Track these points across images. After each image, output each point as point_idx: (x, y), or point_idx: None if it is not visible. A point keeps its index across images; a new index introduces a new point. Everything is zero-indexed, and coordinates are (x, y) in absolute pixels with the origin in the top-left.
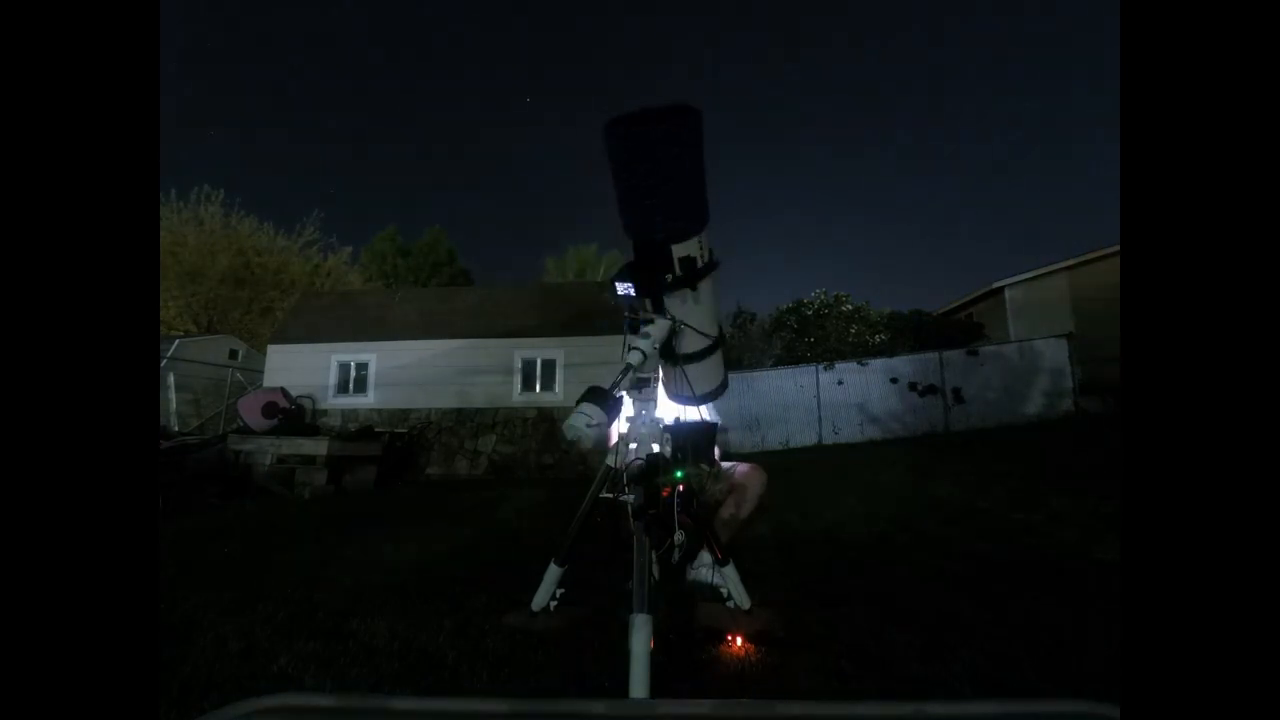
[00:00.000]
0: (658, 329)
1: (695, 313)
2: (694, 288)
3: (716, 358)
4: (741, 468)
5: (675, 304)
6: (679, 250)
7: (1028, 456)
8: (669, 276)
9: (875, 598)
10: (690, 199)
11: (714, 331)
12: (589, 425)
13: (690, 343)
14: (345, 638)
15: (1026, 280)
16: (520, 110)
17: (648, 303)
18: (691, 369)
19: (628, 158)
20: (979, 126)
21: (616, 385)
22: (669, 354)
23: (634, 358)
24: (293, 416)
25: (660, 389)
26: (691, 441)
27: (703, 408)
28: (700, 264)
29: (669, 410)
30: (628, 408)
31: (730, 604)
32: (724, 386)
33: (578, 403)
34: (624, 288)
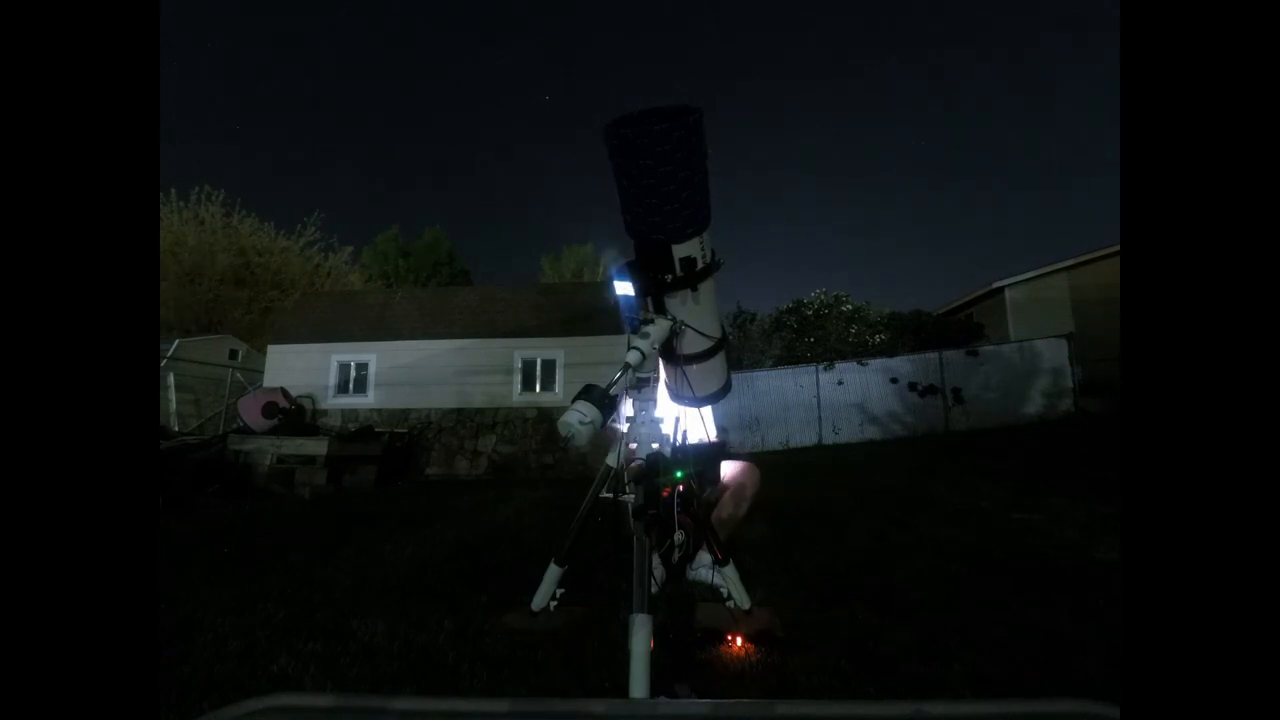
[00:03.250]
0: (658, 329)
1: (696, 313)
2: (694, 288)
3: (719, 359)
4: (735, 465)
5: (676, 304)
6: (680, 250)
7: (1028, 456)
8: (669, 277)
9: (875, 598)
10: (691, 199)
11: (716, 332)
12: (582, 423)
13: (691, 343)
14: (345, 638)
15: (1026, 280)
16: (519, 108)
17: (649, 302)
18: (693, 370)
19: (629, 158)
20: (980, 126)
21: (613, 384)
22: (670, 355)
23: (632, 357)
24: (293, 416)
25: (662, 389)
26: (701, 465)
27: (705, 410)
28: (701, 264)
29: (669, 410)
30: (628, 408)
31: (730, 604)
32: (727, 388)
33: (573, 400)
34: (623, 287)
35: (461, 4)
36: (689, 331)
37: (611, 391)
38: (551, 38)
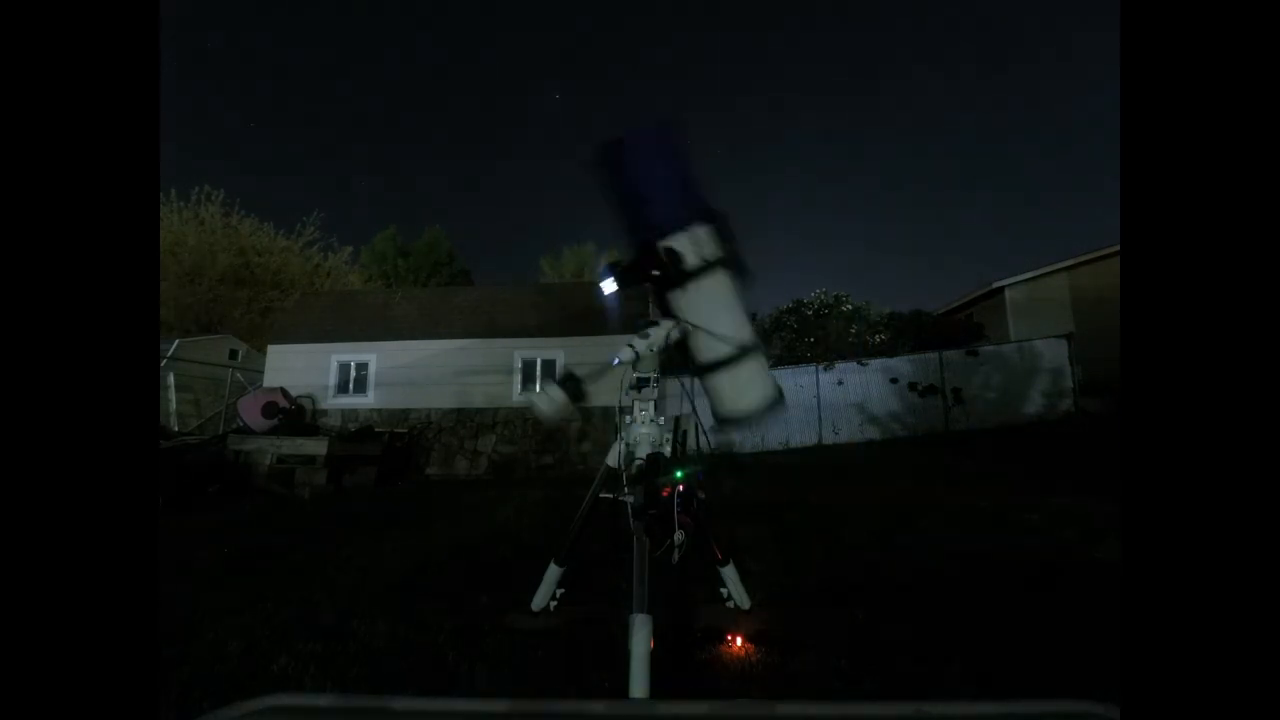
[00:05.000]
0: (659, 330)
1: (703, 315)
2: (683, 285)
3: (752, 369)
4: None
5: (681, 306)
6: (664, 244)
7: (1028, 456)
8: (655, 273)
9: (875, 597)
10: (669, 197)
11: (735, 336)
12: (549, 402)
13: (708, 349)
14: (345, 638)
15: (1026, 280)
16: (519, 107)
17: (653, 307)
18: (720, 379)
19: (616, 168)
20: (980, 126)
21: (590, 377)
22: (693, 364)
23: (624, 354)
24: (293, 416)
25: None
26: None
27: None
28: (690, 263)
29: (644, 440)
30: (635, 409)
31: (730, 604)
32: (772, 404)
33: (555, 382)
34: (608, 284)
35: (462, 3)
36: (702, 335)
37: (585, 386)
38: (552, 37)
